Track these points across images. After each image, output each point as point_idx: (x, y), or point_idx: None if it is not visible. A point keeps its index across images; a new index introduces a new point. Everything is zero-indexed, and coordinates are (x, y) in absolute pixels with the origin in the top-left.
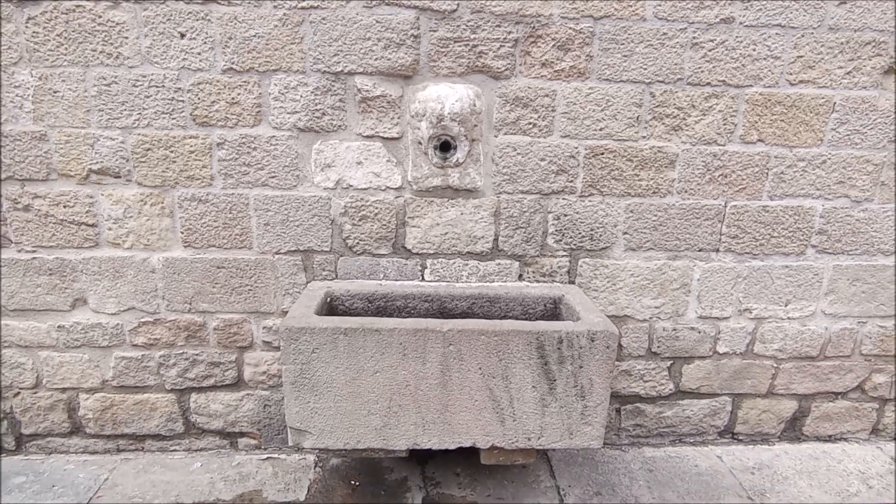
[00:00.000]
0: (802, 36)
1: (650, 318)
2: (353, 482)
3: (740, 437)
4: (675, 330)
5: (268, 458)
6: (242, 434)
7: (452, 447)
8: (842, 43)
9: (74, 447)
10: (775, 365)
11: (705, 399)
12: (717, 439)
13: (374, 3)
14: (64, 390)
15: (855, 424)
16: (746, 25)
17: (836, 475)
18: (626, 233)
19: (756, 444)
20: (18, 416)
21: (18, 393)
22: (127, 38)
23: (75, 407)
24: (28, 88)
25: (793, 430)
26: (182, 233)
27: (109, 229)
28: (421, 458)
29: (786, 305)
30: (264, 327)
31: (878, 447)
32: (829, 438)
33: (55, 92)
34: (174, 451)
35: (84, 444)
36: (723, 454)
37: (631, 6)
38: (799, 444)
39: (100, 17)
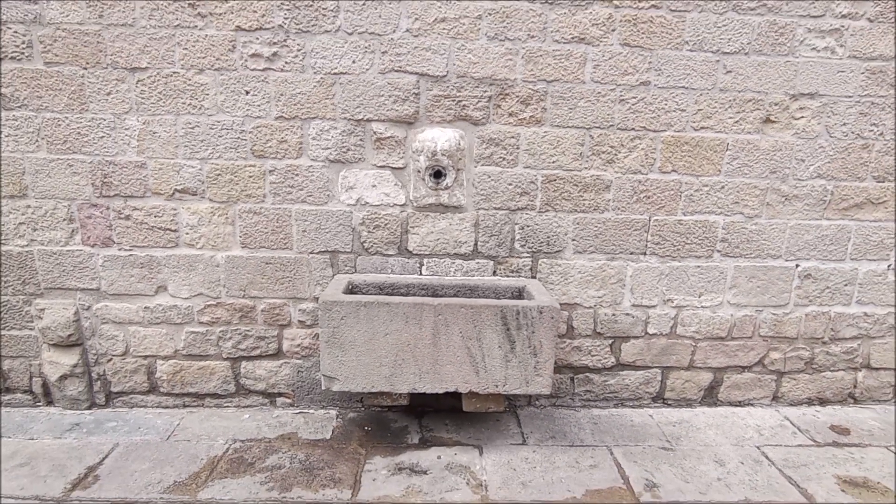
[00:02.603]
0: (701, 95)
1: (594, 305)
2: (366, 428)
3: (669, 402)
4: (614, 315)
5: (300, 412)
6: (280, 394)
7: (441, 391)
8: (730, 100)
9: (151, 402)
10: (693, 344)
11: (640, 370)
12: (651, 403)
13: (386, 70)
14: (145, 357)
15: (759, 392)
16: (659, 87)
17: (737, 427)
18: (574, 239)
19: (681, 407)
20: (109, 378)
21: (111, 359)
22: (208, 94)
23: (153, 370)
24: (135, 130)
25: (710, 396)
26: (240, 237)
27: (187, 234)
28: (418, 413)
29: (699, 297)
30: (300, 310)
31: (777, 410)
32: (739, 403)
33: (154, 133)
34: (227, 406)
35: (158, 400)
36: (654, 414)
37: (574, 73)
38: (715, 407)
39: (190, 80)
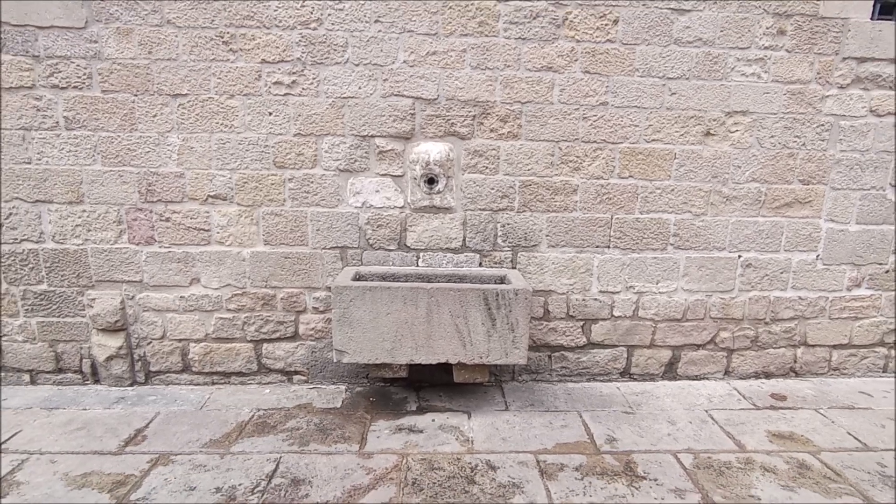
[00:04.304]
0: (651, 112)
1: (567, 292)
2: (371, 399)
3: (635, 376)
4: (584, 300)
5: (314, 387)
6: (296, 372)
7: (434, 362)
8: (676, 117)
9: (184, 380)
10: (654, 325)
11: (608, 349)
12: (619, 378)
13: (387, 95)
14: (180, 340)
15: (712, 367)
16: (616, 107)
17: (691, 396)
18: (547, 235)
19: (645, 381)
20: (149, 358)
21: (150, 342)
22: (237, 115)
23: (187, 352)
24: (175, 146)
25: (670, 371)
26: (263, 235)
27: (217, 233)
28: (416, 386)
29: (657, 284)
30: (314, 297)
31: (727, 382)
32: (696, 377)
33: (191, 148)
34: (250, 383)
35: (190, 378)
36: (620, 386)
37: (544, 95)
38: (675, 381)
39: (223, 104)
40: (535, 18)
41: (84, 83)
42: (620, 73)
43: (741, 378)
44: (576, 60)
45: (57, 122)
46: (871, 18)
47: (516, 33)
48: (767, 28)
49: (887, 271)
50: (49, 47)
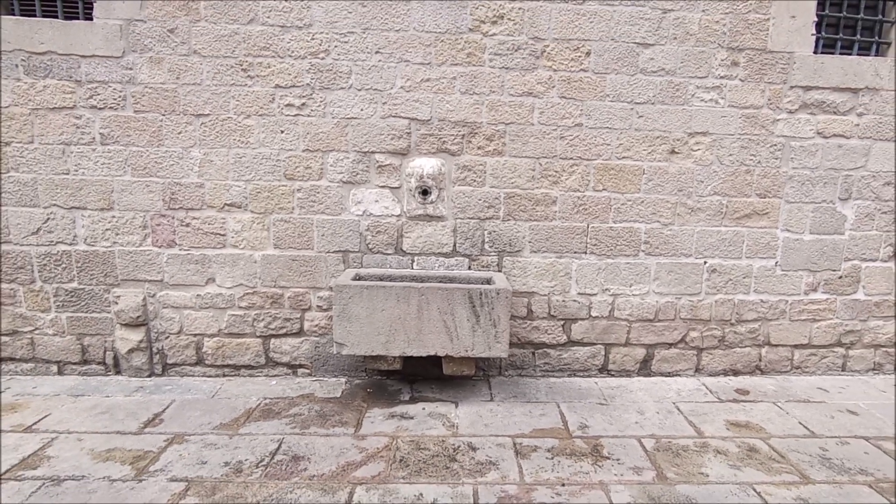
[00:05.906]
0: (621, 133)
1: (548, 293)
2: (368, 390)
3: (612, 372)
4: (564, 301)
5: (316, 380)
6: (301, 366)
7: (424, 355)
8: (643, 137)
9: (198, 372)
10: (628, 325)
11: (587, 347)
12: (598, 374)
13: (386, 116)
14: (195, 335)
15: (684, 365)
16: (590, 128)
17: (662, 391)
18: (530, 242)
19: (622, 377)
20: (166, 352)
21: (168, 336)
22: (253, 133)
23: (201, 346)
24: (197, 160)
25: (645, 368)
26: (273, 239)
27: (232, 237)
28: (410, 380)
29: (630, 287)
30: (318, 296)
31: (698, 379)
32: (669, 374)
33: (211, 161)
34: (258, 375)
35: (203, 370)
36: (598, 381)
37: (526, 117)
38: (649, 377)
39: (240, 123)
40: (516, 51)
41: (119, 104)
42: (593, 98)
43: (711, 375)
44: (553, 87)
45: (93, 138)
46: (815, 52)
47: (500, 63)
48: (722, 60)
49: (840, 277)
50: (90, 73)
